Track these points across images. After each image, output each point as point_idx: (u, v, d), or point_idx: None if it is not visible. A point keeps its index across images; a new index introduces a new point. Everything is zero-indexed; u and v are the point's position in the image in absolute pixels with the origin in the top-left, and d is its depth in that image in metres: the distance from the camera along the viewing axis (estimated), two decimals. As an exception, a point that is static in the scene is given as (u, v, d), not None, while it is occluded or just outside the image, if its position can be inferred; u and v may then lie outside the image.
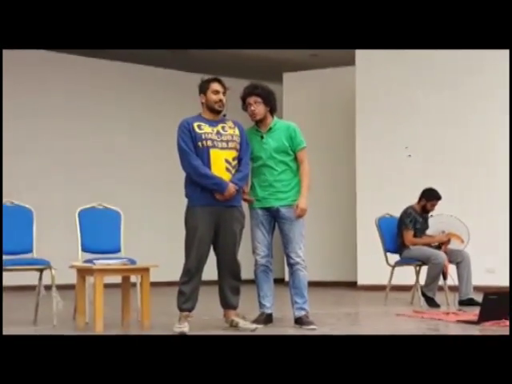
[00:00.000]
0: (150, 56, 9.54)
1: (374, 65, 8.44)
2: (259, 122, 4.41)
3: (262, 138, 4.38)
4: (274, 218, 4.43)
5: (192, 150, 4.14)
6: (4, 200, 4.94)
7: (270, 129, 4.39)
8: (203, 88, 4.24)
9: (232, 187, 4.13)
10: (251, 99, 4.34)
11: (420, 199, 6.13)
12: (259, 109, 4.34)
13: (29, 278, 5.16)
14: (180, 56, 9.70)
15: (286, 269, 4.65)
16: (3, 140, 8.16)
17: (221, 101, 4.21)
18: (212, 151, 4.15)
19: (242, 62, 10.05)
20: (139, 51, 9.36)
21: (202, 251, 4.18)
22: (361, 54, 8.43)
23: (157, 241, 9.04)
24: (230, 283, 4.32)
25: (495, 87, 7.74)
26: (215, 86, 4.22)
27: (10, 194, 5.73)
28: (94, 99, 9.24)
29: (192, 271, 4.19)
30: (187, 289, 4.19)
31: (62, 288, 4.80)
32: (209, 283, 4.62)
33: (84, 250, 5.09)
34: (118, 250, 5.22)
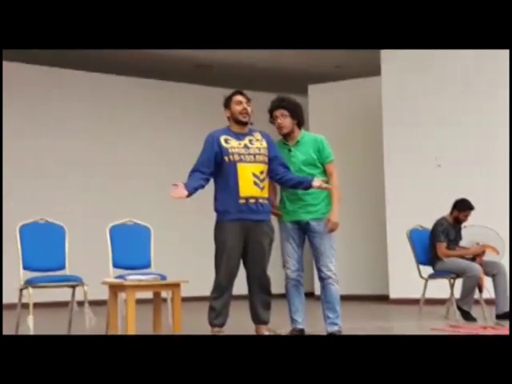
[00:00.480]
0: (175, 72, 9.62)
1: (399, 75, 8.37)
2: (287, 136, 4.39)
3: (289, 151, 4.36)
4: (304, 231, 4.38)
5: (205, 162, 4.15)
6: (36, 217, 5.00)
7: (298, 142, 4.37)
8: (227, 102, 4.26)
9: (177, 188, 4.01)
10: (278, 112, 4.34)
11: (452, 210, 6.03)
12: (286, 122, 4.32)
13: (61, 294, 5.18)
14: (204, 71, 9.76)
15: (316, 283, 4.61)
16: (34, 160, 8.35)
17: (245, 109, 4.20)
18: (239, 165, 4.14)
19: (267, 75, 10.08)
20: (165, 67, 9.47)
21: (231, 266, 4.16)
22: (386, 65, 8.38)
23: (185, 255, 9.04)
24: (261, 298, 4.28)
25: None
26: (237, 97, 4.24)
27: (41, 211, 5.76)
28: (119, 114, 9.28)
29: (222, 286, 4.16)
30: (218, 304, 4.17)
31: (93, 304, 4.81)
32: (239, 298, 4.59)
33: (115, 265, 5.11)
34: (149, 266, 5.23)
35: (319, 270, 4.37)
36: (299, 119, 4.38)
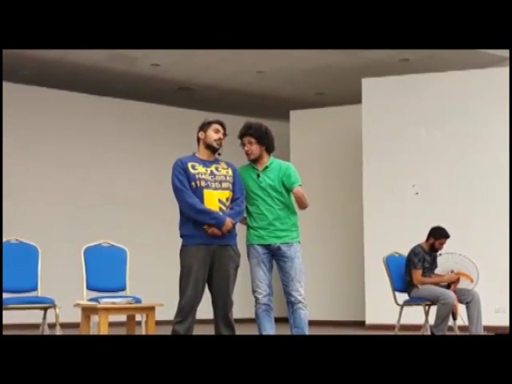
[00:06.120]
0: (156, 93, 9.64)
1: (379, 103, 8.48)
2: (255, 161, 4.42)
3: (258, 176, 4.38)
4: (273, 255, 4.38)
5: (187, 187, 4.16)
6: (10, 237, 4.94)
7: (266, 167, 4.41)
8: (204, 126, 4.29)
9: (229, 222, 4.13)
10: (245, 139, 4.39)
11: (428, 237, 6.09)
12: (253, 149, 4.37)
13: (33, 316, 5.11)
14: (187, 94, 9.80)
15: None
16: (9, 176, 8.23)
17: (220, 139, 4.24)
18: (206, 191, 4.16)
19: (250, 100, 10.15)
20: (145, 89, 9.49)
21: (197, 290, 4.13)
22: (366, 92, 8.48)
23: (161, 279, 8.97)
24: (225, 322, 4.23)
25: (500, 125, 7.76)
26: (218, 126, 4.28)
27: (15, 230, 5.71)
28: (96, 136, 9.20)
29: (186, 310, 4.13)
30: (181, 328, 4.13)
31: (66, 326, 4.76)
32: (203, 322, 4.54)
33: (89, 288, 5.07)
34: (124, 288, 5.20)
35: (289, 295, 4.33)
36: (267, 145, 4.42)
